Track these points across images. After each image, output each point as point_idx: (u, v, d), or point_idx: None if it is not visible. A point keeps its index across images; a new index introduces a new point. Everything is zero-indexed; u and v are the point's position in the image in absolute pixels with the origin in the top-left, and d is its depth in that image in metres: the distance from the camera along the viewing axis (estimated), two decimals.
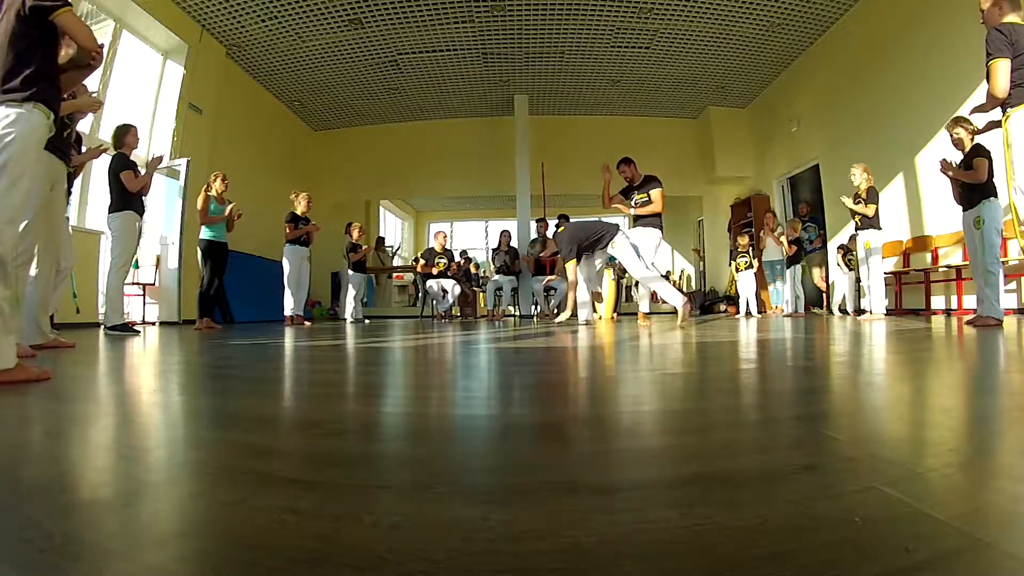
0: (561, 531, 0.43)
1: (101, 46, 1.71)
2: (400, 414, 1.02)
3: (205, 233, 5.00)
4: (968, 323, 3.38)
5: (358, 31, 6.84)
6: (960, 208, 3.62)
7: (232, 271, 6.79)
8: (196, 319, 5.04)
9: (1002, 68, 2.31)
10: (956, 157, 3.67)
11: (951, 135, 3.67)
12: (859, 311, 5.77)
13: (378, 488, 0.56)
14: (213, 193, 5.04)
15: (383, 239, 11.46)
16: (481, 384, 1.41)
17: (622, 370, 1.59)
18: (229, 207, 5.09)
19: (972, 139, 3.55)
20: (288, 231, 5.95)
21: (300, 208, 6.06)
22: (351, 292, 7.17)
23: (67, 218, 3.22)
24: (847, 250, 6.22)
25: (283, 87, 8.38)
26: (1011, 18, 2.39)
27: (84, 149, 3.33)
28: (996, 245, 3.33)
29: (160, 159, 3.99)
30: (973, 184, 3.42)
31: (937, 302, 5.63)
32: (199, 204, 4.96)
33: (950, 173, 3.60)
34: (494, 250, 7.79)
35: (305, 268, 6.13)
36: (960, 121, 3.61)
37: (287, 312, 5.92)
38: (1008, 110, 2.35)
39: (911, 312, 5.88)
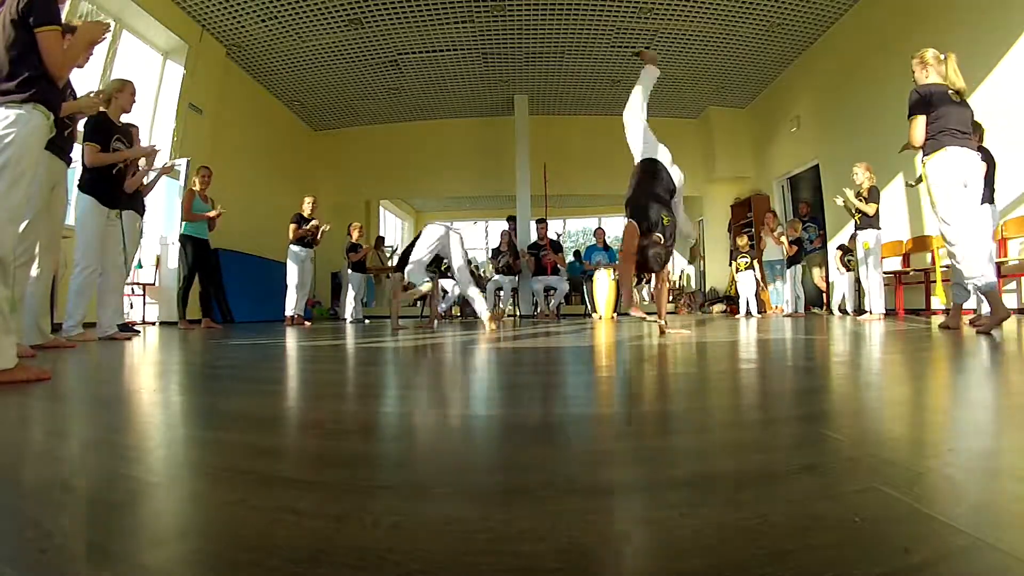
0: (561, 531, 0.43)
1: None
2: (400, 414, 1.02)
3: (187, 229, 4.93)
4: (971, 323, 3.37)
5: (358, 31, 6.84)
6: None
7: (232, 271, 6.80)
8: (179, 318, 4.95)
9: (918, 125, 2.86)
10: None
11: None
12: (859, 311, 5.77)
13: (378, 488, 0.56)
14: (196, 188, 4.97)
15: (383, 239, 11.45)
16: (481, 384, 1.41)
17: (621, 370, 1.59)
18: (215, 212, 5.00)
19: (978, 141, 3.51)
20: (291, 232, 5.96)
21: (306, 210, 6.12)
22: (351, 292, 7.17)
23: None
24: (847, 250, 6.21)
25: (283, 87, 8.38)
26: (933, 76, 2.89)
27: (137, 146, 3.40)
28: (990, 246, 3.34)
29: (155, 152, 3.96)
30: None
31: (937, 302, 5.62)
32: (184, 199, 4.90)
33: None
34: (495, 249, 7.76)
35: (308, 269, 6.14)
36: None
37: (288, 312, 5.93)
38: (924, 158, 2.86)
39: (911, 312, 5.88)
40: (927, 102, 2.83)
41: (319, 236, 6.19)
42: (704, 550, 0.39)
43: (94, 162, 3.05)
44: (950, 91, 2.83)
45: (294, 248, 6.00)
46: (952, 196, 2.76)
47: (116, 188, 3.25)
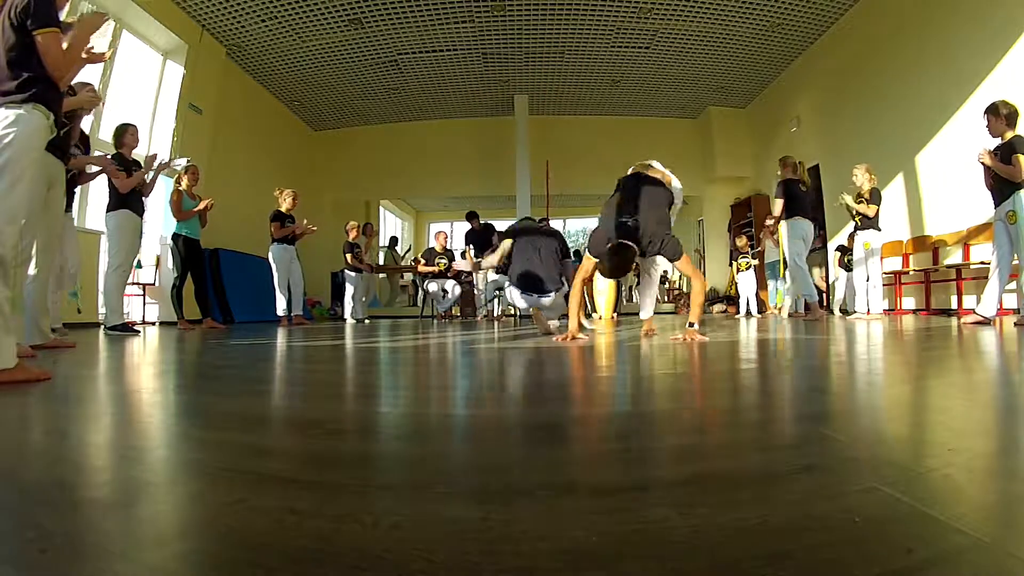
0: (561, 531, 0.43)
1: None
2: (399, 414, 1.02)
3: (180, 228, 4.87)
4: (1015, 324, 3.27)
5: (358, 31, 6.83)
6: (991, 200, 3.51)
7: (232, 271, 6.80)
8: (177, 319, 4.92)
9: (778, 204, 4.93)
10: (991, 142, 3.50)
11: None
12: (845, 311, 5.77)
13: (378, 488, 0.56)
14: (183, 187, 4.89)
15: (396, 239, 11.43)
16: (481, 384, 1.41)
17: (621, 370, 1.59)
18: (203, 203, 4.93)
19: (1007, 126, 3.36)
20: (274, 230, 5.78)
21: (285, 206, 5.88)
22: (349, 291, 7.16)
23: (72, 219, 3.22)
24: (845, 250, 6.22)
25: (283, 87, 8.37)
26: (791, 174, 4.96)
27: (91, 151, 3.33)
28: None
29: (154, 158, 3.94)
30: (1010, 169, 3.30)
31: (936, 302, 5.63)
32: (172, 198, 4.83)
33: (987, 162, 3.42)
34: (467, 232, 7.43)
35: (296, 266, 5.97)
36: (988, 109, 3.46)
37: (280, 312, 5.85)
38: (785, 220, 5.00)
39: (910, 312, 5.87)
40: (784, 189, 4.90)
41: (301, 234, 6.04)
42: (704, 550, 0.39)
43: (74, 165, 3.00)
44: (800, 183, 4.96)
45: (277, 247, 5.80)
46: (797, 248, 4.94)
47: (68, 191, 3.17)
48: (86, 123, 3.24)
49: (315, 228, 6.08)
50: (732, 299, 8.41)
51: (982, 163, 3.47)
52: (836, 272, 6.61)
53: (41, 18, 1.52)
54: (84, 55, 1.70)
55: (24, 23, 1.51)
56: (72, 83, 2.96)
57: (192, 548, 0.43)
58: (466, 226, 8.24)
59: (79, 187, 3.35)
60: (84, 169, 3.28)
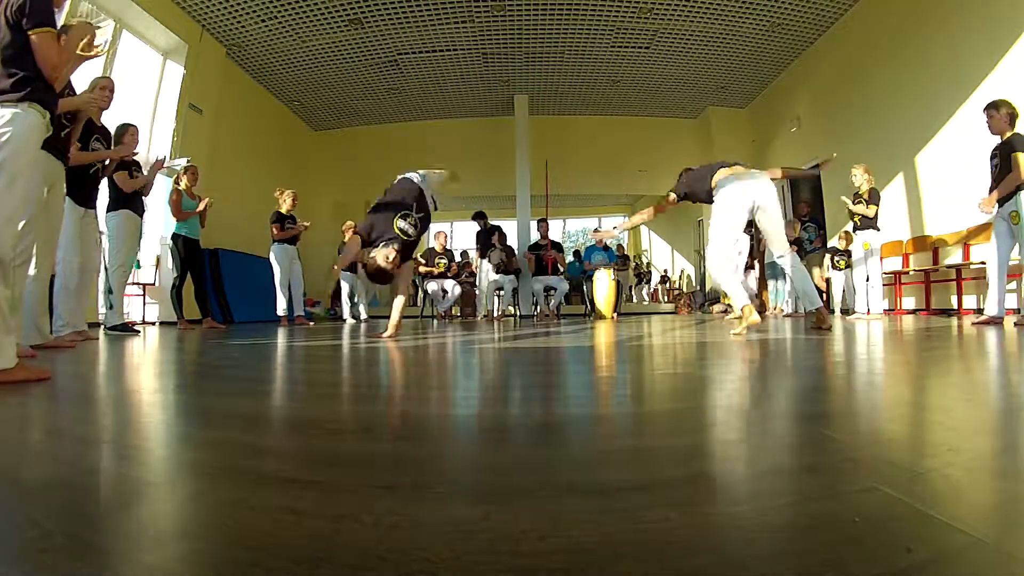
0: (561, 531, 0.43)
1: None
2: (399, 414, 1.02)
3: (179, 229, 4.88)
4: (1016, 324, 3.28)
5: (358, 31, 6.84)
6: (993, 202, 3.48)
7: (232, 271, 6.80)
8: (177, 319, 4.94)
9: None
10: (991, 139, 3.52)
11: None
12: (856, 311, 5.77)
13: (378, 488, 0.56)
14: (183, 187, 4.89)
15: None
16: (481, 384, 1.41)
17: (621, 370, 1.59)
18: (203, 203, 4.94)
19: (1008, 125, 3.34)
20: (275, 231, 5.79)
21: (285, 207, 5.89)
22: (345, 290, 7.16)
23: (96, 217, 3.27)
24: (835, 252, 6.23)
25: (283, 87, 8.37)
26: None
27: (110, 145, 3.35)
28: None
29: (162, 162, 3.95)
30: (1009, 174, 3.31)
31: (936, 302, 5.63)
32: (171, 198, 4.85)
33: (990, 209, 3.45)
34: (491, 245, 7.46)
35: (296, 267, 5.99)
36: (989, 106, 3.46)
37: (280, 312, 5.84)
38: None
39: (910, 312, 5.88)
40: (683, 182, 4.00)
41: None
42: (704, 550, 0.39)
43: (74, 160, 3.02)
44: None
45: (278, 247, 5.81)
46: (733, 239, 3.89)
47: (90, 187, 3.21)
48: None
49: (308, 224, 6.06)
50: None
51: (986, 211, 3.50)
52: (830, 273, 6.61)
53: (37, 17, 1.52)
54: (80, 52, 1.70)
55: (20, 22, 1.51)
56: (92, 79, 3.00)
57: (192, 548, 0.43)
58: (467, 226, 8.23)
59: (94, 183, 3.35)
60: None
